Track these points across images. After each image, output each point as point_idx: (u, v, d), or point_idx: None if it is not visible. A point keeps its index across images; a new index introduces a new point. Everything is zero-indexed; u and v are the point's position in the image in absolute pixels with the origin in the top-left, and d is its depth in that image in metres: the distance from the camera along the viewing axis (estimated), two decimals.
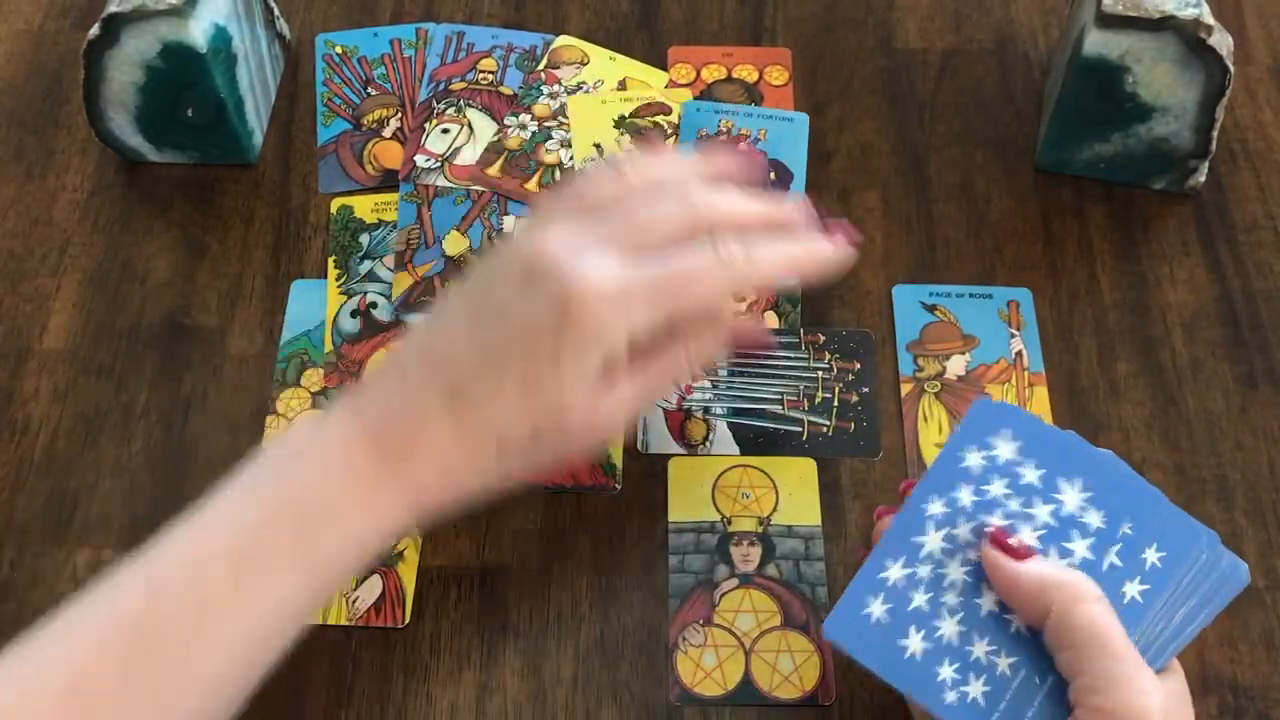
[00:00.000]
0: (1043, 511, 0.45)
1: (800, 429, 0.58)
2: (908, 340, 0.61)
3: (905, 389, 0.59)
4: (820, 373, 0.60)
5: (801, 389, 0.59)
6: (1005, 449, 0.46)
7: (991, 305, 0.62)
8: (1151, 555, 0.43)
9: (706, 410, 0.59)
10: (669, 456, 0.58)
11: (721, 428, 0.58)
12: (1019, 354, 0.60)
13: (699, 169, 0.50)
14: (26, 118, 0.70)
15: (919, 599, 0.44)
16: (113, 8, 0.60)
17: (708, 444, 0.58)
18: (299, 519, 0.44)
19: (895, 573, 0.45)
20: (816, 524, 0.56)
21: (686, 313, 0.47)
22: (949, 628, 0.44)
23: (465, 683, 0.52)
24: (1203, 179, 0.64)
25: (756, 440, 0.58)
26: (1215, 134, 0.62)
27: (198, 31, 0.61)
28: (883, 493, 0.56)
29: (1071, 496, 0.45)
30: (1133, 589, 0.43)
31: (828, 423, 0.58)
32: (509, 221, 0.65)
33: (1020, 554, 0.43)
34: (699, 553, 0.55)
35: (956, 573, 0.44)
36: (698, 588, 0.54)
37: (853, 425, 0.58)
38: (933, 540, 0.45)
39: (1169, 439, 0.58)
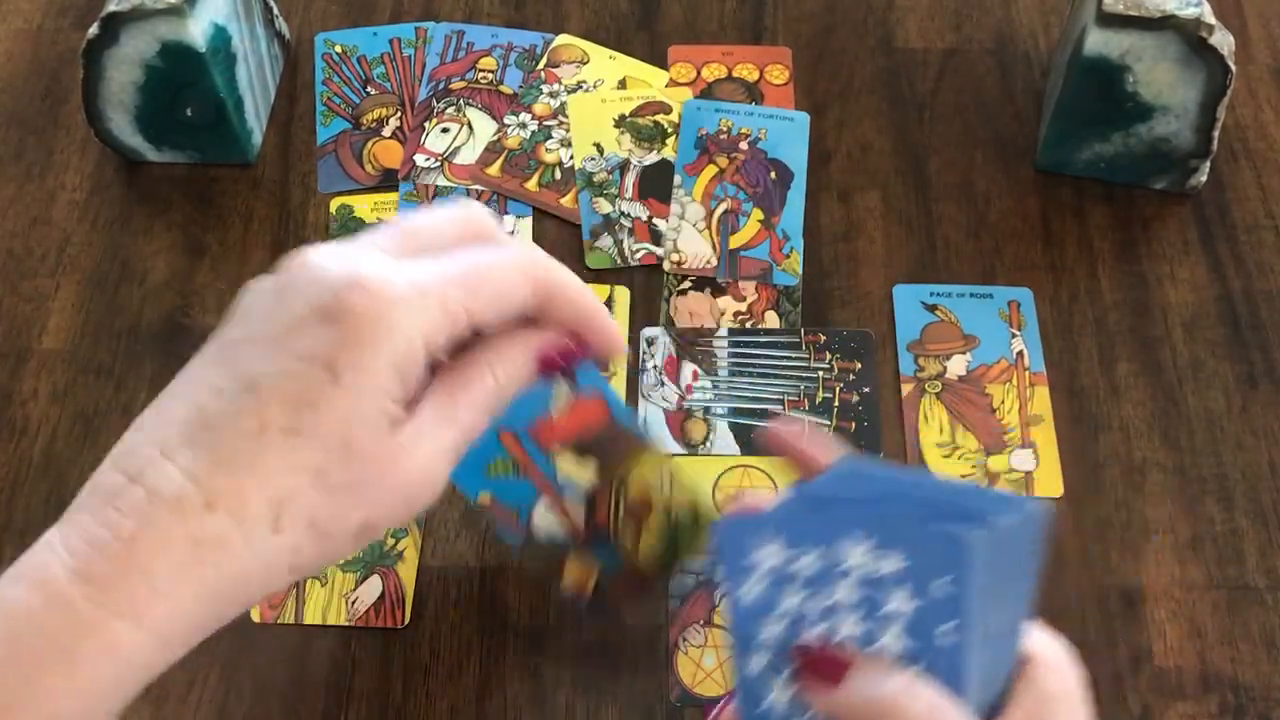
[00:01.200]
0: (845, 590, 0.37)
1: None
2: (908, 340, 0.61)
3: (906, 389, 0.59)
4: (821, 373, 0.60)
5: (802, 389, 0.59)
6: (772, 555, 0.38)
7: (992, 305, 0.62)
8: (940, 586, 0.36)
9: (706, 410, 0.59)
10: (669, 456, 0.57)
11: (721, 428, 0.58)
12: (1020, 354, 0.60)
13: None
14: (26, 117, 0.70)
15: None
16: (112, 7, 0.60)
17: (708, 444, 0.58)
18: None
19: None
20: None
21: (484, 313, 0.37)
22: None
23: (465, 683, 0.52)
24: (1203, 179, 0.64)
25: (757, 440, 0.58)
26: (1216, 134, 0.62)
27: (197, 31, 0.61)
28: None
29: (858, 555, 0.37)
30: (942, 632, 0.36)
31: (828, 423, 0.58)
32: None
33: (833, 672, 0.37)
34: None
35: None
36: (698, 588, 0.54)
37: (853, 425, 0.58)
38: (779, 695, 0.38)
39: (1169, 439, 0.58)
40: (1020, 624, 0.38)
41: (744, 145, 0.67)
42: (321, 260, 0.35)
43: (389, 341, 0.35)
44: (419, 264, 0.36)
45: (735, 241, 0.64)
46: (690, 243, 0.64)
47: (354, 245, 0.37)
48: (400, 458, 0.35)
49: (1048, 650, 0.38)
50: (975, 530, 0.36)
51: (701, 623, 0.53)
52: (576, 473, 0.46)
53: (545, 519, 0.47)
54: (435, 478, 0.36)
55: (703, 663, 0.52)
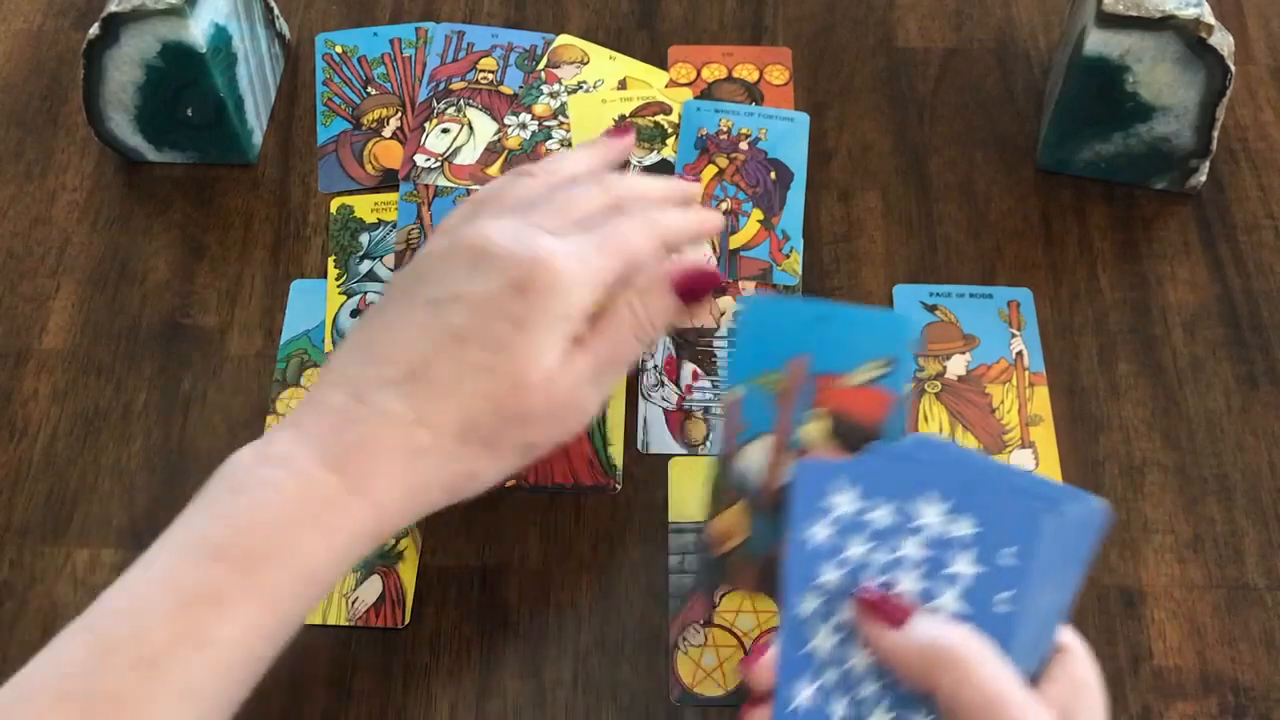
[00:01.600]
0: (912, 546, 0.39)
1: None
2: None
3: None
4: None
5: None
6: (846, 502, 0.41)
7: (992, 305, 0.62)
8: (1006, 556, 0.38)
9: (706, 410, 0.59)
10: (669, 456, 0.57)
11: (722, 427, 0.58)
12: (1019, 354, 0.60)
13: (599, 159, 0.54)
14: (26, 117, 0.70)
15: (840, 708, 0.39)
16: (112, 7, 0.60)
17: (708, 444, 0.58)
18: (245, 555, 0.41)
19: (804, 696, 0.39)
20: None
21: (629, 270, 0.47)
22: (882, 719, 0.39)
23: (465, 683, 0.52)
24: (1203, 179, 0.64)
25: None
26: (1216, 134, 0.62)
27: (197, 31, 0.61)
28: None
29: (931, 514, 0.39)
30: (1000, 600, 0.38)
31: None
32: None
33: (896, 615, 0.39)
34: (699, 553, 0.55)
35: (861, 660, 0.39)
36: (697, 589, 0.54)
37: None
38: (823, 641, 0.40)
39: (1169, 439, 0.58)
40: (1062, 613, 0.40)
41: (744, 145, 0.67)
42: (509, 243, 0.45)
43: (561, 306, 0.45)
44: (577, 241, 0.46)
45: (735, 242, 0.64)
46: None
47: (525, 227, 0.47)
48: (552, 389, 0.45)
49: (1076, 643, 0.41)
50: (1049, 510, 0.38)
51: (701, 623, 0.53)
52: (816, 443, 0.45)
53: (754, 458, 0.46)
54: (580, 400, 0.46)
55: (702, 662, 0.52)
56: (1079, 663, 0.40)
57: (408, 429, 0.43)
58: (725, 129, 0.68)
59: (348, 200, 0.66)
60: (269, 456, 0.43)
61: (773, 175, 0.66)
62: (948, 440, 0.43)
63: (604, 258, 0.47)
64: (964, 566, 0.39)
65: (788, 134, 0.68)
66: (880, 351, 0.45)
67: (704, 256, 0.51)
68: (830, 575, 0.40)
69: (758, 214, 0.65)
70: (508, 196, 0.50)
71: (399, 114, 0.69)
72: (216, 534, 0.41)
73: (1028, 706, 0.36)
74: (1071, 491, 0.40)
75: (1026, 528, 0.38)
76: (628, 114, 0.68)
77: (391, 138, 0.68)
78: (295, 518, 0.42)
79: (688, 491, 0.56)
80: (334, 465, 0.43)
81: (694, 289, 0.48)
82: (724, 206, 0.65)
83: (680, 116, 0.68)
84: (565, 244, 0.46)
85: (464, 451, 0.44)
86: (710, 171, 0.66)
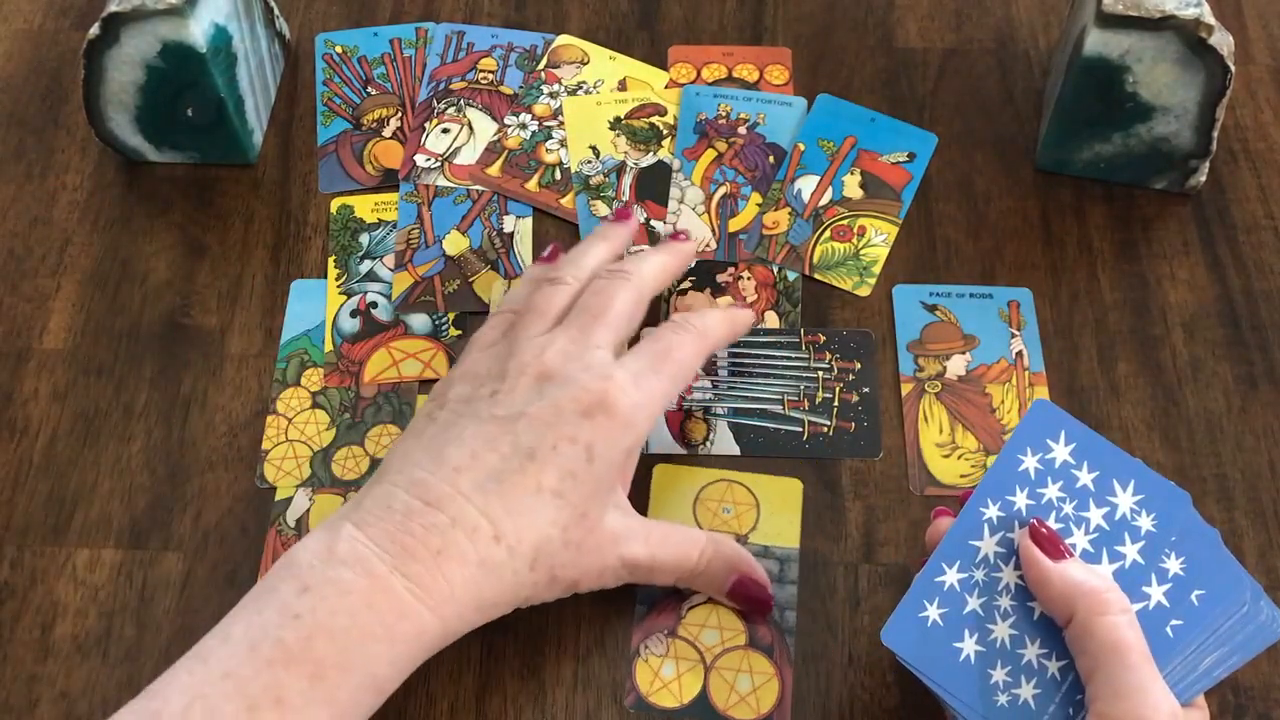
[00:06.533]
0: (1096, 515, 0.45)
1: (800, 429, 0.58)
2: (908, 340, 0.61)
3: (906, 389, 0.59)
4: (820, 373, 0.60)
5: (802, 389, 0.59)
6: (1061, 451, 0.46)
7: (992, 305, 0.62)
8: (1194, 595, 0.43)
9: (707, 410, 0.59)
10: (669, 457, 0.57)
11: (722, 428, 0.58)
12: (1019, 354, 0.60)
13: (614, 248, 0.56)
14: (26, 117, 0.70)
15: (973, 603, 0.45)
16: (113, 7, 0.60)
17: (708, 444, 0.58)
18: (314, 663, 0.41)
19: (951, 577, 0.45)
20: (794, 546, 0.55)
21: (682, 387, 0.51)
22: (1002, 631, 0.44)
23: (465, 683, 0.52)
24: (1203, 179, 0.64)
25: (757, 440, 0.58)
26: (1215, 134, 0.62)
27: (197, 31, 0.61)
28: (883, 493, 0.56)
29: (1124, 499, 0.45)
30: (1169, 623, 0.43)
31: (828, 423, 0.58)
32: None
33: (1056, 551, 0.44)
34: None
35: (1010, 577, 0.45)
36: (666, 597, 0.53)
37: (853, 425, 0.58)
38: (988, 544, 0.45)
39: (1169, 439, 0.58)
40: (1208, 682, 0.44)
41: (742, 130, 0.67)
42: (575, 369, 0.48)
43: (630, 437, 0.47)
44: (635, 365, 0.49)
45: (734, 225, 0.64)
46: (690, 226, 0.64)
47: (584, 349, 0.48)
48: (603, 530, 0.47)
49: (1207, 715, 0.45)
50: (1256, 594, 0.44)
51: (665, 632, 0.53)
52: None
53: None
54: (616, 558, 0.48)
55: (661, 672, 0.52)
56: (1206, 716, 0.44)
57: (485, 544, 0.44)
58: (724, 114, 0.68)
59: (348, 200, 0.66)
60: (336, 554, 0.43)
61: (771, 159, 0.66)
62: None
63: (663, 380, 0.49)
64: (1130, 552, 0.44)
65: (786, 118, 0.68)
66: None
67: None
68: (1020, 499, 0.46)
69: (756, 197, 0.65)
70: (547, 309, 0.51)
71: (399, 114, 0.69)
72: (285, 637, 0.41)
73: (1147, 665, 0.40)
74: (1261, 593, 0.44)
75: (1227, 588, 0.43)
76: (622, 116, 0.68)
77: (391, 138, 0.68)
78: (366, 627, 0.42)
79: (668, 500, 0.56)
80: (407, 573, 0.43)
81: (750, 602, 0.51)
82: (723, 190, 0.65)
83: (679, 108, 0.68)
84: (624, 369, 0.48)
85: (530, 577, 0.45)
86: (709, 155, 0.67)
